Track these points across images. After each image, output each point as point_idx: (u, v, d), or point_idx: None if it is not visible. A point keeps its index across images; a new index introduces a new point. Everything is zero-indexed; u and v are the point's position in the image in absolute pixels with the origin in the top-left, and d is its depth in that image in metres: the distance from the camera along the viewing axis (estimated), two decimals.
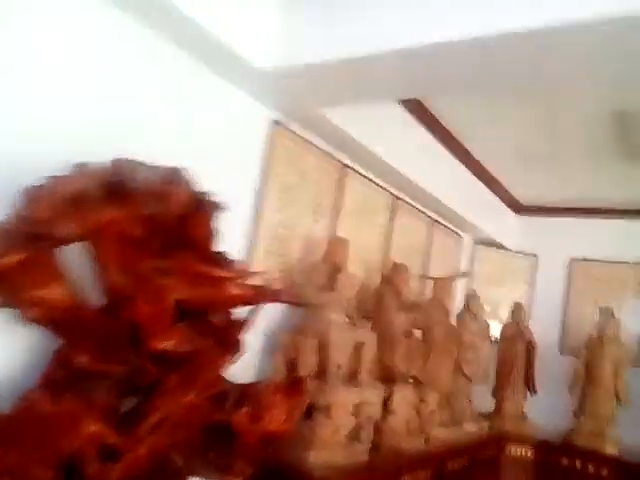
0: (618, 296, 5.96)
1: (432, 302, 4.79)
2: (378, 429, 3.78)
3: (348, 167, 4.15)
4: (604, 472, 5.10)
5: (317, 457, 3.06)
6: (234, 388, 2.86)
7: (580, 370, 5.51)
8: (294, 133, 3.59)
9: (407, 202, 5.02)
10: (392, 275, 4.26)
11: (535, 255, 6.48)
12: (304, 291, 3.43)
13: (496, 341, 5.86)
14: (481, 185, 5.89)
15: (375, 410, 3.44)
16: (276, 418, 2.95)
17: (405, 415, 3.86)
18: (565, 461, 5.30)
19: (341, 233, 4.05)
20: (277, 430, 2.95)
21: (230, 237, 3.21)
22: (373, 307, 4.18)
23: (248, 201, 3.35)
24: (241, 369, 2.72)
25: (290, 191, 3.61)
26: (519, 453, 5.40)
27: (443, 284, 4.79)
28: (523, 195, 6.38)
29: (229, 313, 2.47)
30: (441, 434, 4.41)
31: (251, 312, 2.49)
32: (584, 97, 4.03)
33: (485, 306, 6.24)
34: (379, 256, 4.51)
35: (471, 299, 5.39)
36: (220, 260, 2.39)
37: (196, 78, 2.98)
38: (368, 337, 3.54)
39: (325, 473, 2.97)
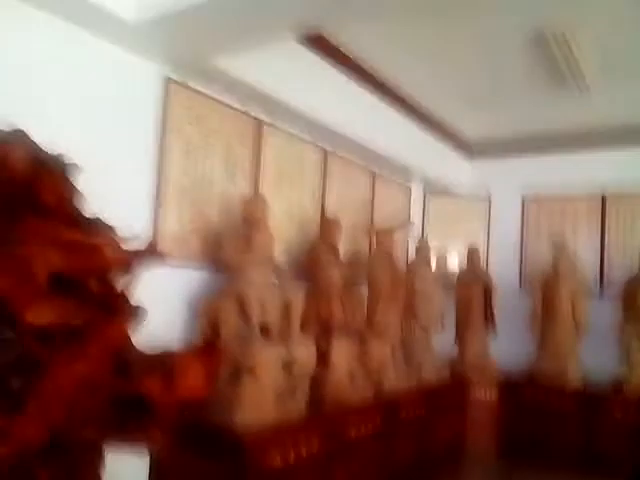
0: (572, 228, 5.90)
1: (376, 254, 4.70)
2: (317, 384, 3.75)
3: (265, 123, 4.00)
4: (568, 406, 5.11)
5: (244, 418, 3.01)
6: (142, 357, 2.78)
7: (537, 305, 5.48)
8: (194, 90, 3.44)
9: (343, 156, 4.89)
10: (325, 230, 4.16)
11: (488, 197, 6.39)
12: (222, 253, 3.32)
13: (453, 287, 5.82)
14: (426, 132, 5.75)
15: (308, 366, 3.37)
16: (191, 384, 2.88)
17: (347, 368, 3.81)
18: (529, 399, 5.30)
19: (265, 192, 3.94)
20: (193, 396, 2.89)
21: (135, 203, 3.13)
22: (308, 264, 4.10)
23: (150, 165, 3.21)
24: (167, 337, 2.64)
25: (199, 151, 3.48)
26: (483, 396, 5.40)
27: (386, 235, 4.69)
28: (471, 137, 6.26)
29: (109, 280, 2.37)
30: (395, 384, 4.39)
31: (129, 277, 2.38)
32: (509, 23, 3.90)
33: (443, 253, 6.22)
34: (313, 213, 4.39)
35: (422, 248, 5.32)
36: (91, 225, 2.27)
37: (76, 43, 2.85)
38: (296, 295, 3.45)
39: (250, 431, 2.92)
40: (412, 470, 4.34)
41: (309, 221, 4.30)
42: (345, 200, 4.90)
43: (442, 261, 6.18)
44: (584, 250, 5.80)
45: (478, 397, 5.39)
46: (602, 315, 5.42)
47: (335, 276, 3.98)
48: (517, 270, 6.15)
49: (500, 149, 6.33)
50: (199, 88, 3.47)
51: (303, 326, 3.84)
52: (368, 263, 4.64)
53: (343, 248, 4.48)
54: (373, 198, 5.31)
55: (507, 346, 5.82)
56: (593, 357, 5.35)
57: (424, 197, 6.23)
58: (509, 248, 6.20)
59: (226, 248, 3.31)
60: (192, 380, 2.86)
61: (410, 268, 5.22)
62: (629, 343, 5.02)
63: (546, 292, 5.46)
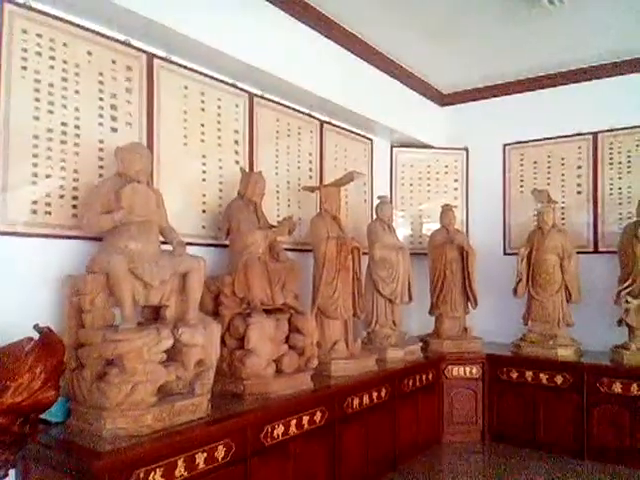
0: (561, 177, 5.09)
1: (319, 215, 3.95)
2: (230, 376, 3.05)
3: (157, 57, 3.23)
4: (559, 380, 4.37)
5: (113, 426, 2.31)
6: None
7: (522, 268, 4.71)
8: (43, 12, 2.68)
9: (278, 102, 4.11)
10: (246, 188, 3.41)
11: (465, 148, 5.58)
12: (85, 215, 2.60)
13: (426, 251, 5.07)
14: (389, 78, 4.95)
15: (208, 353, 2.66)
16: (27, 387, 2.20)
17: (272, 353, 3.09)
18: (515, 374, 4.57)
19: (167, 144, 3.20)
20: (31, 402, 2.20)
21: None
22: (225, 229, 3.37)
23: None
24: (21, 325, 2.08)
25: (58, 91, 2.73)
26: (461, 373, 4.67)
27: (329, 192, 3.93)
28: (440, 83, 5.43)
29: None
30: (343, 368, 3.68)
31: None
32: None
33: (414, 213, 5.47)
34: (236, 168, 3.63)
35: (381, 207, 4.55)
36: None
37: None
38: (194, 265, 2.72)
39: (120, 446, 2.22)
40: (367, 473, 3.65)
41: (235, 182, 3.54)
42: (283, 155, 4.14)
43: (412, 222, 5.43)
44: (575, 201, 5.00)
45: (455, 376, 4.66)
46: (597, 275, 4.68)
47: (257, 242, 3.24)
48: (500, 230, 5.37)
49: (474, 94, 5.51)
50: (48, 9, 2.71)
51: (217, 304, 3.16)
52: (310, 226, 3.89)
53: (283, 211, 3.76)
54: (322, 152, 4.53)
55: (490, 317, 5.10)
56: (588, 324, 4.61)
57: (390, 151, 5.44)
58: (490, 205, 5.42)
59: (89, 209, 2.58)
60: (28, 382, 2.19)
61: (369, 230, 4.46)
62: (628, 302, 4.23)
63: (532, 253, 4.69)
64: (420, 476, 3.95)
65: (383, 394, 3.88)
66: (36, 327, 2.14)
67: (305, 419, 3.11)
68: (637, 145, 4.76)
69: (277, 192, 4.06)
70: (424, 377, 4.41)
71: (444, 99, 5.65)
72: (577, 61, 4.85)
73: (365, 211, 5.03)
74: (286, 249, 3.68)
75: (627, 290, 4.28)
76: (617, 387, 4.12)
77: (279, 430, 2.93)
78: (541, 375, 4.45)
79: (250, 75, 3.70)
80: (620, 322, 4.31)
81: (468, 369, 4.69)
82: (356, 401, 3.58)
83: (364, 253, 4.17)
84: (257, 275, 3.17)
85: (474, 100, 5.52)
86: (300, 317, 3.32)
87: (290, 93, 4.06)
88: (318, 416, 3.22)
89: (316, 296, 3.74)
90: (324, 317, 3.75)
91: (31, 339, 2.14)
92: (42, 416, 2.22)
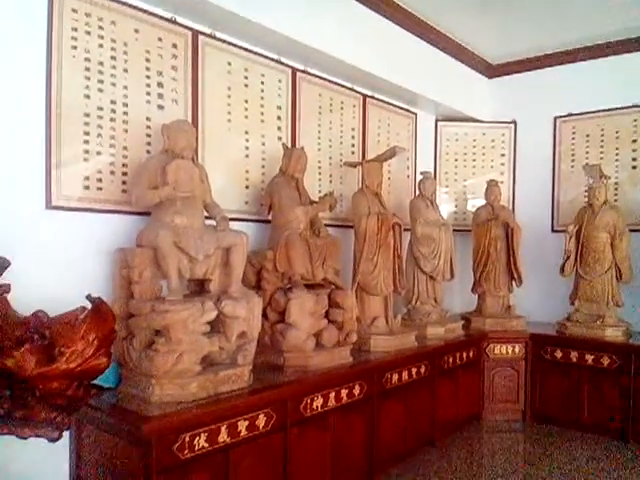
0: (615, 152, 4.88)
1: (360, 191, 3.94)
2: (272, 348, 3.13)
3: (201, 33, 3.26)
4: (605, 361, 4.27)
5: (160, 392, 2.44)
6: (11, 324, 2.25)
7: (571, 246, 4.58)
8: None
9: (320, 76, 4.09)
10: (287, 163, 3.44)
11: (513, 122, 5.40)
12: (133, 190, 2.69)
13: (470, 228, 4.99)
14: (436, 52, 4.83)
15: (250, 325, 2.74)
16: (80, 354, 2.33)
17: (313, 327, 3.15)
18: (560, 354, 4.49)
19: (207, 118, 3.25)
20: (85, 368, 2.34)
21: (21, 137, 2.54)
22: (267, 205, 3.42)
23: (38, 89, 2.59)
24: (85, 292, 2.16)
25: (107, 70, 2.81)
26: (503, 352, 4.62)
27: (371, 167, 3.91)
28: (487, 53, 5.24)
29: None
30: (383, 344, 3.71)
31: None
32: None
33: (459, 189, 5.38)
34: (278, 144, 3.65)
35: (424, 183, 4.50)
36: None
37: None
38: (237, 240, 2.79)
39: (167, 411, 2.34)
40: (404, 447, 3.70)
41: (277, 157, 3.57)
42: (325, 130, 4.13)
43: (457, 198, 5.34)
44: (629, 176, 4.79)
45: (498, 355, 4.62)
46: None
47: (299, 217, 3.28)
48: (548, 207, 5.21)
49: (522, 65, 5.30)
50: None
51: (256, 279, 3.23)
52: (351, 202, 3.89)
53: (324, 186, 3.78)
54: (364, 127, 4.49)
55: (535, 296, 5.01)
56: (638, 304, 4.46)
57: (435, 125, 5.33)
58: (538, 181, 5.25)
59: (137, 185, 2.67)
60: (82, 349, 2.32)
61: (411, 206, 4.43)
62: None
63: (581, 230, 4.54)
64: (458, 452, 3.97)
65: (422, 370, 3.90)
66: (89, 297, 2.25)
67: (344, 392, 3.17)
68: None
69: (319, 168, 4.07)
70: (465, 355, 4.39)
71: (491, 71, 5.47)
72: (632, 29, 4.57)
73: (408, 187, 4.97)
74: (327, 225, 3.70)
75: None
76: None
77: (318, 402, 3.00)
78: (587, 356, 4.35)
79: (293, 50, 3.69)
80: None
81: (511, 348, 4.63)
82: (395, 376, 3.62)
83: (406, 229, 4.15)
84: (298, 250, 3.21)
85: (523, 71, 5.32)
86: (340, 292, 3.36)
87: (333, 67, 4.02)
88: (357, 390, 3.27)
89: (356, 272, 3.76)
90: (364, 293, 3.78)
91: (84, 308, 2.26)
92: (95, 382, 2.36)
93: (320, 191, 3.98)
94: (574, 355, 4.41)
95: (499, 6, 4.25)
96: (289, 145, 3.73)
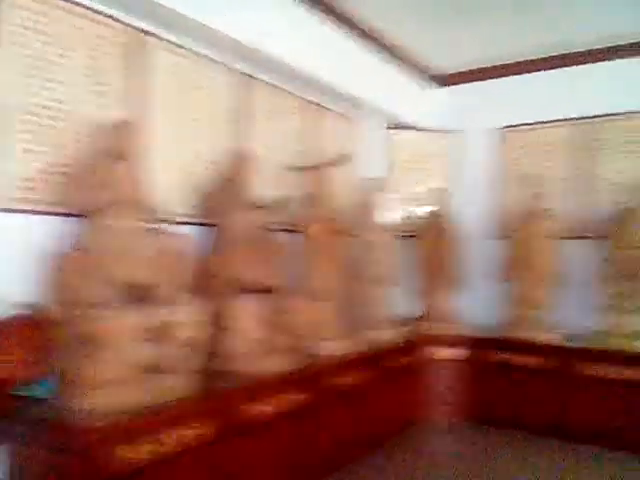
0: (555, 162, 5.10)
1: (305, 196, 3.96)
2: (213, 355, 3.08)
3: (149, 33, 3.19)
4: (542, 363, 4.45)
5: (97, 402, 2.34)
6: None
7: (511, 252, 4.76)
8: None
9: (269, 82, 4.07)
10: (234, 166, 3.41)
11: (460, 131, 5.56)
12: (70, 193, 2.59)
13: (411, 235, 5.09)
14: (386, 59, 4.92)
15: (194, 332, 2.68)
16: (11, 362, 2.23)
17: (256, 333, 3.12)
18: (499, 357, 4.64)
19: (153, 119, 3.18)
20: (16, 377, 2.23)
21: None
22: (209, 208, 3.37)
23: None
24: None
25: (48, 67, 2.70)
26: (447, 355, 4.74)
27: (316, 174, 3.93)
28: (438, 64, 5.38)
29: None
30: (329, 348, 3.72)
31: None
32: None
33: (403, 196, 5.48)
34: (223, 147, 3.61)
35: (371, 189, 4.56)
36: None
37: None
38: (180, 244, 2.73)
39: (104, 422, 2.25)
40: (347, 450, 3.71)
41: (225, 161, 3.52)
42: (274, 134, 4.12)
43: (403, 205, 5.44)
44: (568, 187, 5.02)
45: (440, 357, 4.73)
46: (580, 260, 4.72)
47: (241, 221, 3.25)
48: (492, 214, 5.38)
49: (470, 75, 5.48)
50: None
51: (199, 284, 3.17)
52: (298, 207, 3.90)
53: (273, 191, 3.76)
54: (313, 132, 4.51)
55: (478, 300, 5.15)
56: (572, 308, 4.67)
57: (382, 132, 5.41)
58: (483, 190, 5.43)
59: (75, 186, 2.58)
60: (7, 359, 2.21)
61: (355, 214, 4.48)
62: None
63: (520, 236, 4.72)
64: (403, 455, 4.02)
65: (368, 374, 3.93)
66: (20, 304, 2.15)
67: (289, 398, 3.15)
68: (632, 131, 4.76)
69: (267, 172, 4.04)
70: (410, 358, 4.48)
71: (440, 80, 5.61)
72: (577, 44, 4.79)
73: (354, 193, 5.02)
74: (276, 229, 3.68)
75: (611, 276, 4.35)
76: (599, 370, 4.20)
77: (263, 409, 2.97)
78: (527, 358, 4.51)
79: (242, 53, 3.66)
80: (602, 307, 4.39)
81: (454, 351, 4.75)
82: (341, 381, 3.63)
83: (352, 235, 4.19)
84: (245, 255, 3.19)
85: (470, 81, 5.49)
86: (288, 297, 3.35)
87: (282, 72, 4.02)
88: (302, 396, 3.26)
89: (304, 277, 3.76)
90: (312, 297, 3.77)
91: (16, 316, 2.16)
92: (26, 393, 2.25)
93: (268, 195, 3.95)
94: (515, 358, 4.57)
95: (451, 16, 4.35)
96: (238, 148, 3.69)
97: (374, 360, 4.04)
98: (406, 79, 5.31)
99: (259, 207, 3.42)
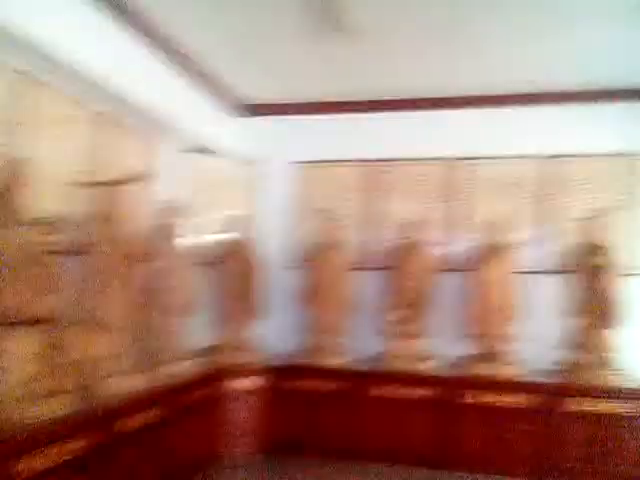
0: (348, 198, 5.48)
1: (95, 214, 3.54)
2: None
3: None
4: (335, 386, 4.63)
5: None
6: None
7: (310, 281, 4.92)
8: None
9: (51, 86, 3.59)
10: (4, 180, 2.87)
11: (256, 161, 5.64)
12: None
13: (210, 262, 4.95)
14: (187, 80, 4.76)
15: None
16: None
17: (23, 371, 2.62)
18: (298, 384, 4.70)
19: None
20: None
21: None
22: None
23: None
24: None
25: None
26: (244, 385, 4.64)
27: (108, 191, 3.56)
28: (240, 93, 5.42)
29: None
30: (115, 386, 3.31)
31: None
32: None
33: (201, 222, 5.31)
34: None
35: (167, 214, 4.30)
36: None
37: None
38: None
39: None
40: None
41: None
42: (59, 147, 3.62)
43: (200, 231, 5.27)
44: (354, 221, 5.42)
45: (238, 388, 4.61)
46: (368, 289, 5.10)
47: (13, 243, 2.73)
48: (288, 245, 5.53)
49: (271, 108, 5.64)
50: None
51: None
52: (82, 227, 3.46)
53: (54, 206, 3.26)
54: (102, 147, 4.09)
55: (275, 329, 5.19)
56: (367, 333, 4.99)
57: (178, 155, 5.18)
58: (279, 219, 5.56)
59: None
60: None
61: (150, 238, 4.17)
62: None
63: (316, 265, 4.93)
64: None
65: (160, 412, 3.60)
66: None
67: (68, 447, 2.69)
68: (420, 174, 5.34)
69: (51, 186, 3.51)
70: (205, 391, 4.25)
71: (241, 109, 5.65)
72: (366, 92, 5.25)
73: (147, 216, 4.68)
74: (57, 251, 3.18)
75: (394, 303, 4.77)
76: (382, 391, 4.53)
77: (35, 462, 2.47)
78: (320, 383, 4.65)
79: (21, 49, 3.16)
80: (385, 332, 4.78)
81: (250, 381, 4.66)
82: (130, 422, 3.24)
83: (145, 260, 3.87)
84: (9, 280, 2.67)
85: (277, 114, 5.64)
86: (66, 329, 2.89)
87: (71, 78, 3.57)
88: (84, 442, 2.81)
89: (84, 305, 3.31)
90: (93, 329, 3.33)
91: None
92: None
93: (46, 211, 3.43)
94: (310, 384, 4.67)
95: (252, 47, 4.39)
96: (11, 160, 3.12)
97: (169, 396, 3.73)
98: (212, 104, 5.22)
99: (35, 225, 2.92)
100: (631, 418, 4.01)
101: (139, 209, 4.32)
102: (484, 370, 4.42)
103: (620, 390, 4.06)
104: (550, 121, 5.02)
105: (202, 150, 5.30)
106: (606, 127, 4.89)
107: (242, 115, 5.71)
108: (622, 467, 4.01)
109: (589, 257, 4.33)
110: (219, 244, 4.92)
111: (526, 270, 4.79)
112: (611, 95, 4.84)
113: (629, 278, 4.46)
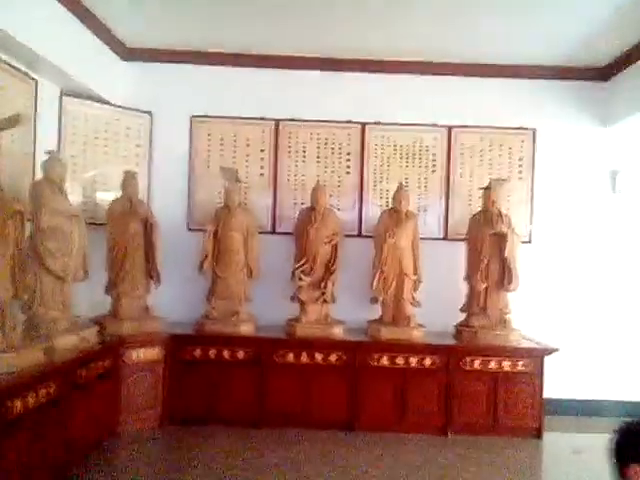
0: (245, 157, 5.15)
1: None
2: None
3: None
4: (240, 355, 4.42)
5: None
6: None
7: (208, 245, 4.59)
8: None
9: None
10: None
11: (150, 112, 5.09)
12: None
13: (104, 222, 4.42)
14: (70, 17, 4.08)
15: None
16: None
17: None
18: (199, 353, 4.41)
19: None
20: None
21: None
22: None
23: None
24: None
25: None
26: (142, 357, 4.25)
27: None
28: (129, 35, 4.80)
29: None
30: (3, 363, 2.81)
31: None
32: None
33: (90, 176, 4.72)
34: None
35: (51, 164, 3.69)
36: None
37: None
38: None
39: None
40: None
41: None
42: None
43: (86, 187, 4.65)
44: (258, 183, 5.14)
45: (136, 360, 4.20)
46: (274, 254, 4.90)
47: None
48: (185, 205, 5.11)
49: (165, 55, 5.07)
50: None
51: None
52: None
53: None
54: None
55: (173, 295, 4.83)
56: (266, 300, 4.82)
57: (60, 98, 4.48)
58: (175, 177, 5.10)
59: None
60: None
61: (34, 191, 3.56)
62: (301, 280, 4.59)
63: (218, 231, 4.60)
64: (97, 475, 3.42)
65: (53, 390, 3.15)
66: None
67: None
68: (310, 137, 5.16)
69: None
70: (101, 364, 3.83)
71: (129, 53, 5.02)
72: (271, 45, 4.92)
73: (28, 167, 4.01)
74: None
75: (301, 269, 4.61)
76: (290, 357, 4.41)
77: None
78: (224, 352, 4.42)
79: None
80: (293, 298, 4.64)
81: (149, 351, 4.29)
82: (19, 403, 2.79)
83: (27, 219, 3.28)
84: None
85: (164, 62, 5.07)
86: None
87: None
88: None
89: None
90: None
91: None
92: None
93: None
94: (212, 353, 4.42)
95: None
96: None
97: (60, 372, 3.26)
98: (93, 45, 4.55)
99: None
100: (525, 374, 4.35)
101: (22, 158, 3.65)
102: (390, 334, 4.50)
103: (515, 349, 4.38)
104: (456, 92, 5.11)
105: (87, 95, 4.62)
106: (510, 102, 5.12)
107: (129, 59, 5.06)
108: (521, 420, 4.37)
109: (489, 225, 4.54)
110: (114, 202, 4.38)
111: (430, 237, 4.94)
112: (516, 71, 5.06)
113: (525, 245, 4.78)
